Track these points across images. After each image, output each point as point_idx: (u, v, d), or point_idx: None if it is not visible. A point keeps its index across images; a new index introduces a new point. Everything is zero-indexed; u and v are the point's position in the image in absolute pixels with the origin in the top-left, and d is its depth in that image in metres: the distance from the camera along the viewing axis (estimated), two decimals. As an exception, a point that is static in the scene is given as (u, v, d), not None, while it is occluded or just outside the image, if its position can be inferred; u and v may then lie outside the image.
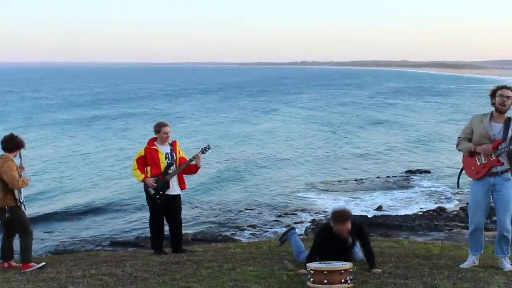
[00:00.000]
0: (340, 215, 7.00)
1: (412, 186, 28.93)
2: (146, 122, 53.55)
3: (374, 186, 29.04)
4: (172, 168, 8.61)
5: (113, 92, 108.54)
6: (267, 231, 21.19)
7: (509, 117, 6.91)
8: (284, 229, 20.97)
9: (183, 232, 20.90)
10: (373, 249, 8.14)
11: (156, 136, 8.68)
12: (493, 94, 6.93)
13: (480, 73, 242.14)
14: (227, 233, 20.94)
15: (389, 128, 54.29)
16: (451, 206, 24.45)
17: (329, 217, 7.17)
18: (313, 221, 22.53)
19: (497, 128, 6.85)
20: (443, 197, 26.26)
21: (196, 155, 8.65)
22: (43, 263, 8.10)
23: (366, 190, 28.15)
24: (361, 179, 30.65)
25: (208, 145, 8.89)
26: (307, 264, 6.40)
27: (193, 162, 8.66)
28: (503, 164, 6.83)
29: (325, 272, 6.13)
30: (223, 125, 56.26)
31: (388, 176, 31.21)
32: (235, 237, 19.86)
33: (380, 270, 6.81)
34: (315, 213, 23.83)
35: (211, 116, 64.11)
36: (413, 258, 7.55)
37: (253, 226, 22.01)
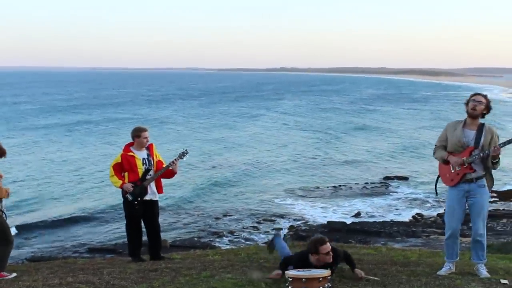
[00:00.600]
0: (317, 243, 6.67)
1: (390, 193, 29.12)
2: (129, 128, 53.28)
3: (353, 193, 29.19)
4: (150, 174, 8.53)
5: (94, 97, 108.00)
6: (246, 238, 21.18)
7: (482, 124, 6.99)
8: (265, 236, 21.18)
9: (162, 238, 20.94)
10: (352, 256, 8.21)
11: (134, 141, 8.57)
12: (467, 102, 7.03)
13: (458, 80, 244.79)
14: (206, 240, 20.91)
15: (369, 134, 54.73)
16: (429, 212, 24.67)
17: (308, 243, 6.84)
18: (291, 227, 22.57)
19: (470, 135, 6.93)
20: (420, 204, 26.48)
21: (174, 160, 8.58)
22: (14, 274, 7.96)
23: (345, 197, 28.30)
24: (340, 185, 30.79)
25: (186, 150, 8.80)
26: (285, 272, 6.39)
27: (170, 167, 8.60)
28: (475, 171, 6.90)
29: (303, 279, 6.12)
30: (205, 130, 56.33)
31: (366, 183, 31.38)
32: (214, 244, 19.84)
33: (362, 272, 6.80)
34: (294, 219, 23.88)
35: (193, 122, 64.14)
36: (391, 265, 7.57)
37: (232, 233, 21.98)
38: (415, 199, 27.31)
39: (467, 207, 7.07)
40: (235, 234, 21.85)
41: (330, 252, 6.63)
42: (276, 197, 28.06)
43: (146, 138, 8.55)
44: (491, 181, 7.02)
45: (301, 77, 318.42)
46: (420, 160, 39.05)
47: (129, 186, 8.41)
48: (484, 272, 7.04)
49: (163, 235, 21.15)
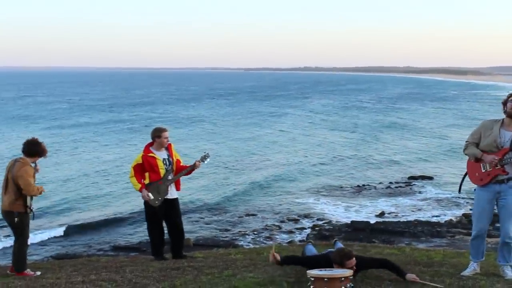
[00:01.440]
0: (344, 257, 6.53)
1: (415, 193, 28.87)
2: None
3: (377, 192, 29.01)
4: (171, 175, 8.56)
5: (125, 97, 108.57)
6: (269, 237, 21.15)
7: None
8: (288, 236, 21.14)
9: (185, 237, 21.03)
10: (375, 256, 8.13)
11: (154, 141, 8.58)
12: (505, 102, 6.87)
13: (485, 79, 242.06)
14: (229, 239, 20.93)
15: (397, 133, 54.61)
16: (454, 212, 24.40)
17: (332, 255, 6.69)
18: (314, 226, 22.51)
19: (506, 135, 6.77)
20: (445, 204, 26.21)
21: (195, 163, 8.59)
22: (39, 272, 8.03)
23: (369, 196, 28.13)
24: (364, 185, 30.63)
25: (207, 153, 8.83)
26: (307, 271, 6.36)
27: (192, 170, 8.64)
28: (508, 173, 6.77)
29: (325, 279, 6.09)
30: (234, 129, 56.57)
31: (391, 182, 31.17)
32: (237, 243, 19.85)
33: (413, 275, 6.69)
34: (317, 219, 23.79)
35: (223, 120, 64.49)
36: (415, 266, 7.50)
37: (255, 232, 21.97)
38: (440, 199, 27.04)
39: (495, 208, 6.96)
40: (258, 233, 21.84)
41: (354, 267, 6.52)
42: (300, 197, 28.01)
43: (167, 138, 8.58)
44: None
45: (327, 76, 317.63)
46: (447, 159, 38.69)
47: (145, 194, 8.43)
48: (510, 273, 6.94)
49: (187, 234, 21.37)
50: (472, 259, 7.10)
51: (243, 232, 21.97)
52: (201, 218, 24.37)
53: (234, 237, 21.26)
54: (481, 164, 6.85)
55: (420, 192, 28.91)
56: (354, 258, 6.54)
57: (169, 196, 8.57)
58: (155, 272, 7.54)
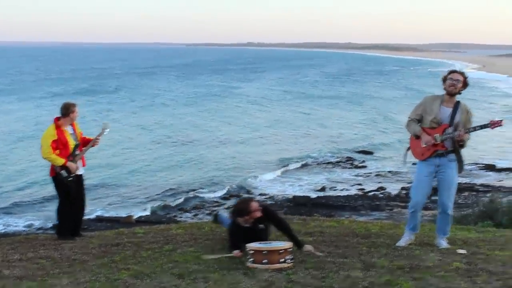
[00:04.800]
0: (243, 206, 6.87)
1: (356, 167, 29.39)
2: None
3: (319, 167, 29.41)
4: (77, 150, 8.34)
5: (49, 71, 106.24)
6: (211, 213, 21.22)
7: (458, 101, 7.01)
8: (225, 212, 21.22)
9: (127, 214, 20.80)
10: (314, 229, 8.27)
11: (67, 116, 8.31)
12: (444, 79, 7.04)
13: (423, 55, 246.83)
14: (171, 215, 20.91)
15: (339, 107, 56.14)
16: (393, 186, 24.95)
17: (232, 211, 7.01)
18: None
19: (446, 112, 6.94)
20: (385, 178, 26.78)
21: (97, 137, 8.38)
22: None
23: (311, 171, 28.50)
24: (306, 159, 30.98)
25: (106, 125, 8.54)
26: (246, 245, 6.41)
27: (95, 145, 8.45)
28: (447, 149, 6.96)
29: (264, 252, 6.16)
30: (185, 103, 56.62)
31: (332, 157, 31.63)
32: (179, 219, 19.84)
33: (310, 247, 6.83)
34: (259, 194, 23.98)
35: (174, 94, 64.46)
36: (353, 237, 7.65)
37: (198, 208, 22.00)
38: (380, 173, 27.60)
39: (434, 181, 7.13)
40: (200, 209, 21.88)
41: (259, 208, 6.79)
42: (242, 172, 28.12)
43: (77, 113, 8.38)
44: (460, 161, 7.06)
45: (270, 52, 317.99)
46: (386, 134, 39.49)
47: (74, 166, 8.21)
48: (444, 243, 7.16)
49: (129, 211, 21.35)
50: (408, 229, 7.29)
51: (185, 208, 21.98)
52: (143, 195, 24.23)
53: (176, 213, 21.26)
54: (421, 141, 7.02)
55: (360, 167, 29.43)
56: (255, 202, 6.85)
57: (79, 172, 8.40)
58: (94, 248, 7.47)
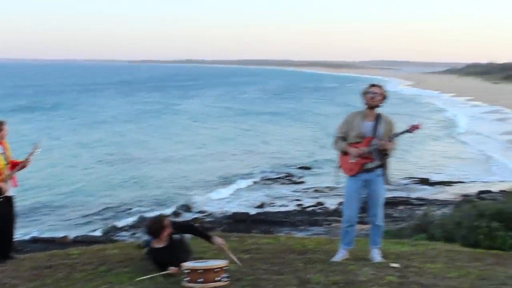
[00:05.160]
0: (157, 225, 6.77)
1: (294, 183, 29.61)
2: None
3: (258, 183, 29.48)
4: (7, 170, 8.07)
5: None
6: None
7: (379, 114, 7.20)
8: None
9: (64, 234, 20.32)
10: (251, 246, 8.28)
11: None
12: (364, 93, 7.22)
13: (360, 72, 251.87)
14: (109, 234, 20.56)
15: (276, 123, 56.46)
16: (330, 201, 25.23)
17: (148, 233, 6.90)
18: (195, 220, 22.55)
19: (368, 125, 7.13)
20: (322, 193, 27.06)
21: (27, 157, 8.17)
22: None
23: (249, 187, 28.52)
24: (245, 175, 31.01)
25: (36, 145, 8.31)
26: (181, 264, 6.37)
27: (25, 165, 8.20)
28: (374, 160, 7.12)
29: (199, 270, 6.13)
30: (115, 121, 55.81)
31: (271, 172, 31.81)
32: (117, 238, 19.52)
33: (220, 240, 6.94)
34: (198, 212, 23.88)
35: (104, 113, 63.34)
36: (289, 254, 7.70)
37: (135, 226, 21.71)
38: (318, 188, 27.87)
39: (364, 196, 7.29)
40: (138, 227, 21.58)
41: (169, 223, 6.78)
42: (180, 189, 27.91)
43: (6, 131, 8.14)
44: (386, 171, 7.23)
45: (211, 69, 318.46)
46: (327, 149, 39.95)
47: (4, 185, 7.94)
48: (378, 257, 7.29)
49: (66, 231, 20.85)
50: (342, 246, 7.39)
51: (123, 228, 21.67)
52: (79, 214, 23.77)
53: (113, 233, 20.91)
54: (350, 156, 7.17)
55: (299, 182, 29.67)
56: (164, 217, 6.94)
57: (10, 194, 8.16)
58: (25, 271, 7.28)
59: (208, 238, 7.00)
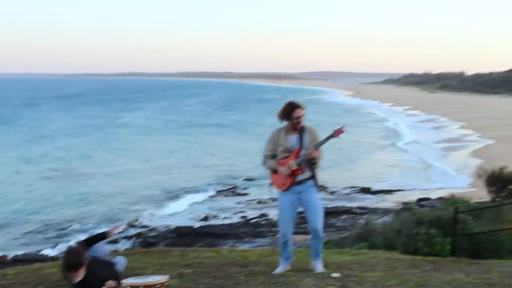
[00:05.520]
0: (76, 258, 6.14)
1: (238, 195, 29.63)
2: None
3: (201, 195, 29.36)
4: None
5: None
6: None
7: (302, 126, 7.27)
8: (109, 245, 20.67)
9: (2, 254, 19.78)
10: (193, 260, 8.23)
11: None
12: (286, 115, 7.23)
13: (302, 83, 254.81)
14: (50, 252, 20.12)
15: (220, 135, 56.35)
16: (274, 212, 25.28)
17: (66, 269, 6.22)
18: (139, 234, 22.32)
19: (293, 139, 7.19)
20: (266, 204, 27.15)
21: None
22: None
23: (194, 200, 28.38)
24: (189, 188, 30.87)
25: None
26: (122, 281, 6.28)
27: None
28: (305, 171, 7.18)
29: (140, 287, 6.06)
30: (58, 135, 54.88)
31: (216, 184, 31.75)
32: (57, 256, 19.09)
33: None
34: (142, 227, 23.61)
35: (47, 127, 62.05)
36: (231, 267, 7.68)
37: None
38: (261, 200, 27.94)
39: (299, 209, 7.32)
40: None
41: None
42: (126, 205, 27.57)
43: None
44: (316, 180, 7.29)
45: (152, 82, 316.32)
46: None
47: None
48: (320, 267, 7.33)
49: (5, 251, 20.28)
50: (282, 260, 7.41)
51: (65, 244, 21.19)
52: (20, 232, 23.18)
53: (55, 251, 20.46)
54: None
55: (243, 194, 29.70)
56: (79, 245, 6.42)
57: None
58: (-41, 294, 7.05)
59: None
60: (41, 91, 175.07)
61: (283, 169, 7.13)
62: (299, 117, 7.15)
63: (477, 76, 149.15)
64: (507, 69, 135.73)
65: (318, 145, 7.11)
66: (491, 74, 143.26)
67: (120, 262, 7.18)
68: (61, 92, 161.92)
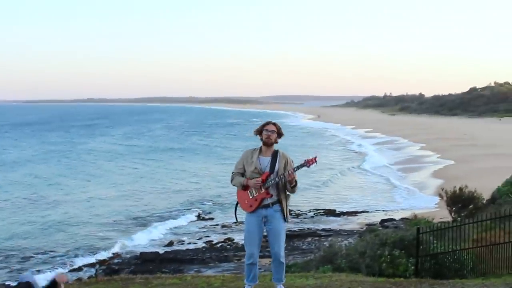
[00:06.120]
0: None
1: (203, 219, 29.45)
2: None
3: (166, 221, 29.05)
4: None
5: None
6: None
7: (276, 151, 7.32)
8: (73, 274, 20.35)
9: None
10: (156, 287, 8.14)
11: None
12: (259, 132, 7.32)
13: (264, 107, 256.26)
14: (9, 282, 19.68)
15: (185, 159, 56.27)
16: (239, 236, 25.20)
17: None
18: (103, 261, 22.00)
19: (265, 162, 7.25)
20: (231, 228, 27.06)
21: None
22: None
23: (158, 226, 28.07)
24: (154, 213, 30.60)
25: None
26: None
27: None
28: (272, 195, 7.20)
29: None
30: (22, 162, 54.19)
31: (182, 209, 31.53)
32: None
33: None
34: (106, 253, 23.26)
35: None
36: (195, 294, 7.63)
37: (38, 270, 20.90)
38: (226, 224, 27.83)
39: (264, 232, 7.33)
40: (40, 272, 20.76)
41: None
42: (87, 232, 27.13)
43: None
44: (286, 211, 7.28)
45: (113, 107, 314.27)
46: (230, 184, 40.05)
47: None
48: (282, 290, 7.33)
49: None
50: (247, 282, 7.39)
51: (25, 271, 20.75)
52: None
53: (16, 279, 20.00)
54: (248, 191, 7.23)
55: (208, 219, 29.52)
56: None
57: None
58: None
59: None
60: (1, 117, 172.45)
61: (252, 182, 7.13)
62: (268, 131, 7.21)
63: (436, 98, 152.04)
64: (465, 91, 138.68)
65: (295, 169, 7.14)
66: (449, 96, 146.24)
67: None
68: (22, 119, 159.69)
